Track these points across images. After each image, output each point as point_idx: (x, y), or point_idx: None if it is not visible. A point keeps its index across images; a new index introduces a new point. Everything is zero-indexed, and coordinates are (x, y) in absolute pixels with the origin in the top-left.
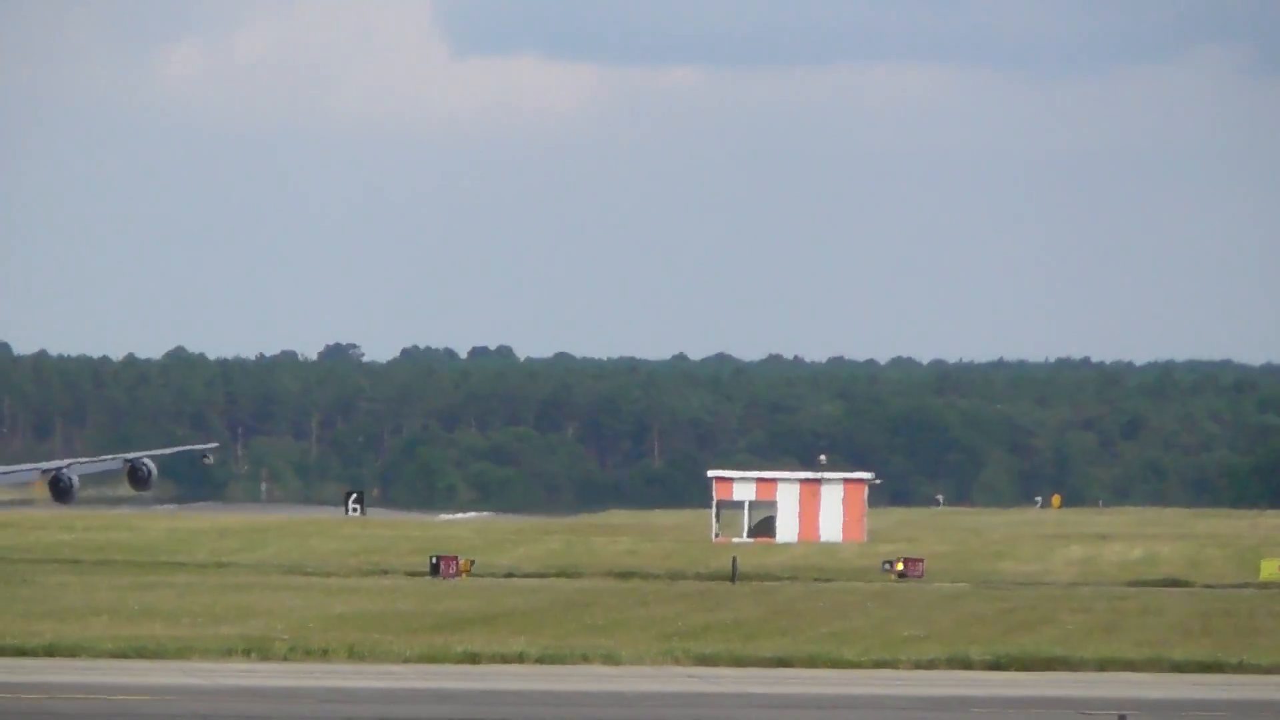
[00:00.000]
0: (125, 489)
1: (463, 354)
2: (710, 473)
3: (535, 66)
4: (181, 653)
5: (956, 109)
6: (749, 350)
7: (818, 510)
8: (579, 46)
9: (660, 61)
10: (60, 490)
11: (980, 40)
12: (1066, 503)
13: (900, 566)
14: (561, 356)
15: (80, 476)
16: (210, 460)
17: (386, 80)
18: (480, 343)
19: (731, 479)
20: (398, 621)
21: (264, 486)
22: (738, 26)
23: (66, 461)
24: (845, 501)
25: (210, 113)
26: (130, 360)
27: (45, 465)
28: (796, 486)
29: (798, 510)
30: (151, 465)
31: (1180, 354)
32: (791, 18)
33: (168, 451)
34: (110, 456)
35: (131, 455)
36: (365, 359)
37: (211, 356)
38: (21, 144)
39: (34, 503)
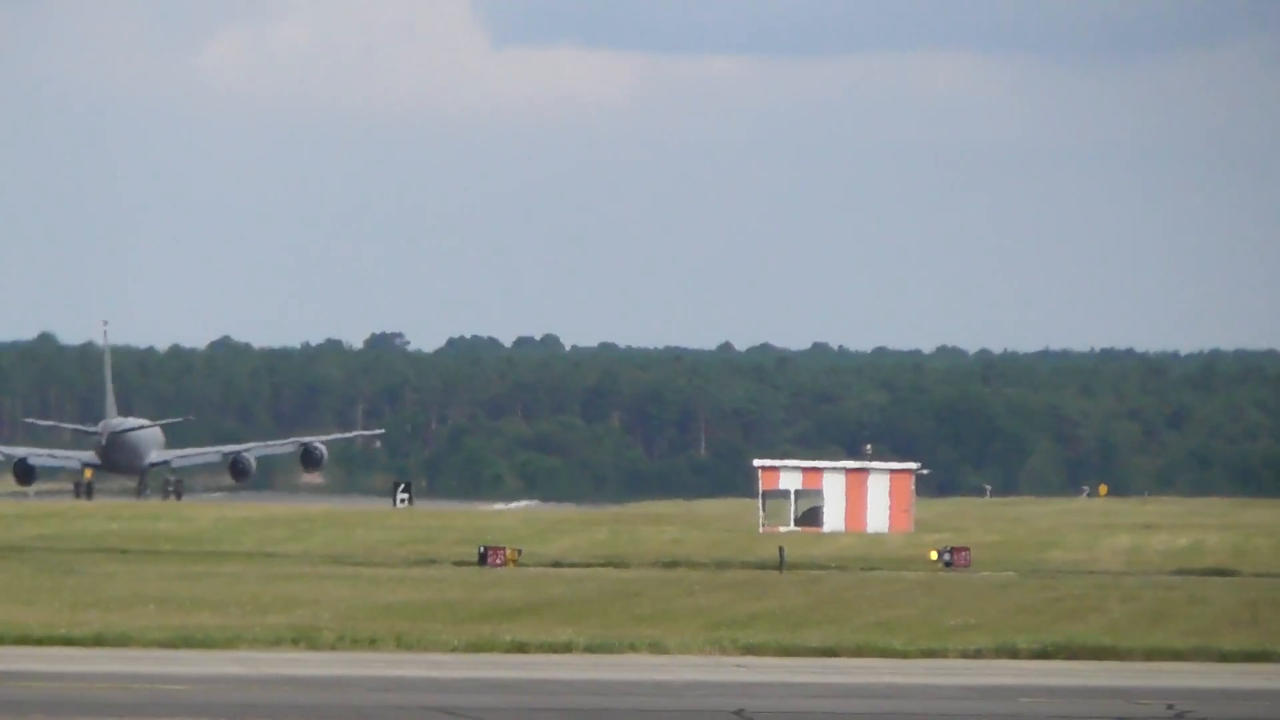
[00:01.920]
0: (298, 472)
1: (508, 343)
2: (756, 462)
3: (574, 57)
4: (229, 642)
5: (996, 97)
6: (794, 340)
7: (864, 500)
8: (617, 36)
9: (699, 51)
10: (239, 471)
11: (1019, 27)
12: (1111, 493)
13: (948, 556)
14: (606, 346)
15: (256, 458)
16: (379, 445)
17: (426, 71)
18: (526, 332)
19: (778, 468)
20: (445, 611)
21: (308, 477)
22: (776, 15)
23: (246, 445)
24: (892, 491)
25: (251, 102)
26: (175, 350)
27: (226, 448)
28: (843, 476)
29: (844, 500)
30: (323, 448)
31: (1225, 344)
32: (830, 6)
33: (338, 436)
34: (286, 440)
35: (305, 439)
36: (410, 348)
37: (256, 346)
38: (66, 136)
39: (225, 490)
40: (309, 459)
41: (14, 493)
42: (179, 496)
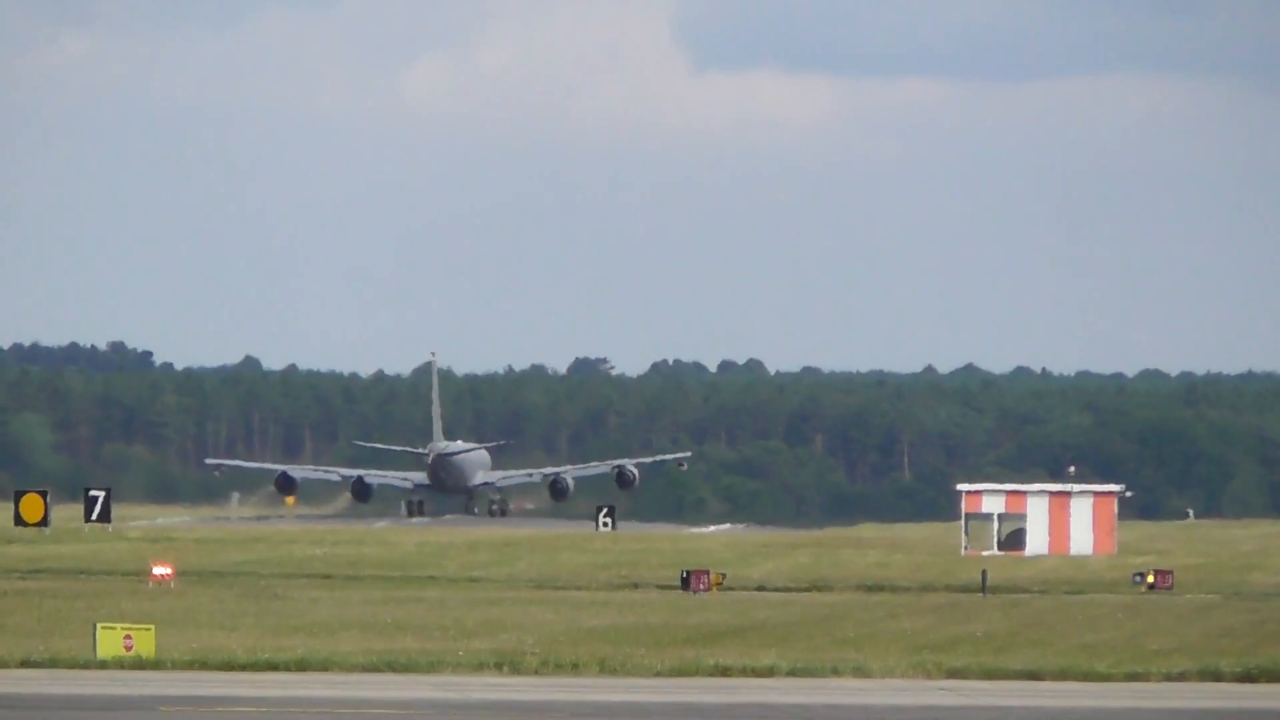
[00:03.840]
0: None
1: (712, 367)
2: (959, 486)
3: (774, 80)
4: (433, 666)
5: (1195, 119)
6: (997, 363)
7: (1068, 523)
8: (818, 59)
9: (898, 73)
10: (558, 492)
11: (1218, 50)
12: None
13: (1151, 579)
14: (810, 369)
15: (573, 479)
16: (684, 468)
17: (626, 94)
18: (729, 356)
19: (981, 492)
20: (648, 635)
21: (511, 502)
22: (976, 38)
23: (564, 468)
24: (1095, 514)
25: (452, 126)
26: (379, 376)
27: (546, 470)
28: (1046, 499)
29: (1048, 523)
30: (635, 471)
31: None
32: (1031, 29)
33: (648, 460)
34: (600, 462)
35: (619, 461)
36: (614, 373)
37: (460, 372)
38: (267, 160)
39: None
40: (623, 480)
41: (345, 513)
42: (504, 514)
